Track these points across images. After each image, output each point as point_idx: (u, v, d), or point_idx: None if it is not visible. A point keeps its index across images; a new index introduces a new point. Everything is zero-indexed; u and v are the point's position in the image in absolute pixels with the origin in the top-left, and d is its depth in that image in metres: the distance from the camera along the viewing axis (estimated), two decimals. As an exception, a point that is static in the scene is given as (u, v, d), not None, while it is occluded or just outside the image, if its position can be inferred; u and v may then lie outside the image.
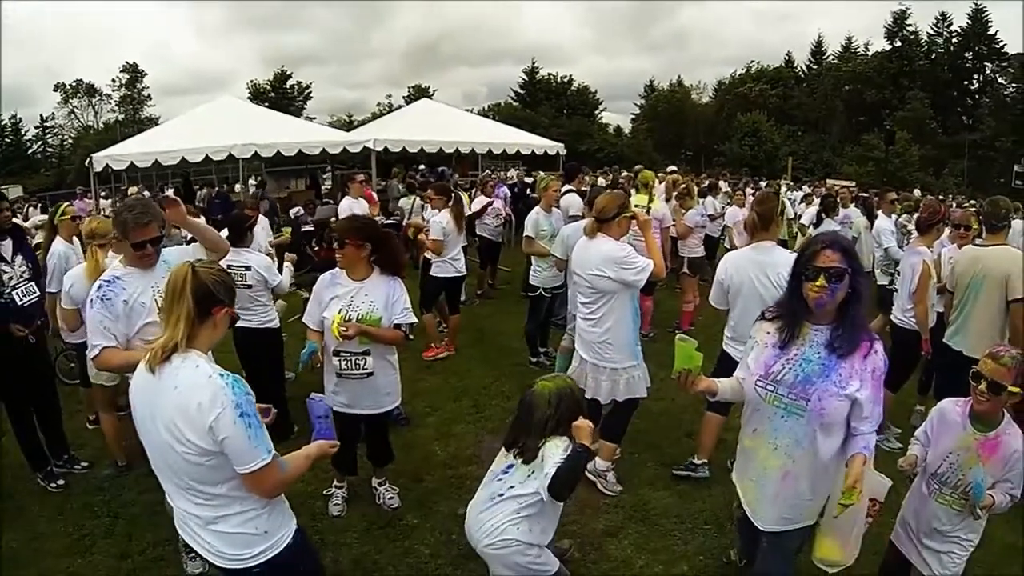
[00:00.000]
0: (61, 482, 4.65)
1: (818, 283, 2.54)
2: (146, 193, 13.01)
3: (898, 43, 50.95)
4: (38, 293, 4.62)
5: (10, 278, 4.40)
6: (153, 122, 50.42)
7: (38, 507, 4.40)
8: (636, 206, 5.36)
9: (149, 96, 56.95)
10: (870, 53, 52.57)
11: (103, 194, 15.35)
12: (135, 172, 14.91)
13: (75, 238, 5.50)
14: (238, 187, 16.99)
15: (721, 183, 15.36)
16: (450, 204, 7.15)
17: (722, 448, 4.72)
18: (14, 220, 5.06)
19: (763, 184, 17.58)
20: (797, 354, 2.69)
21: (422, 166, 18.63)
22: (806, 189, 20.45)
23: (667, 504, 4.44)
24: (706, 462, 4.70)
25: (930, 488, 3.01)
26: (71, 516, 4.30)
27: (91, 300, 3.23)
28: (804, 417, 2.64)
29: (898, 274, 5.68)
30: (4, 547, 3.96)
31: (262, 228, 8.05)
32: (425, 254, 7.67)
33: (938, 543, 3.01)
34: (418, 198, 10.13)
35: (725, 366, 4.23)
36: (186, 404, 2.15)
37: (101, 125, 54.86)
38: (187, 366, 2.20)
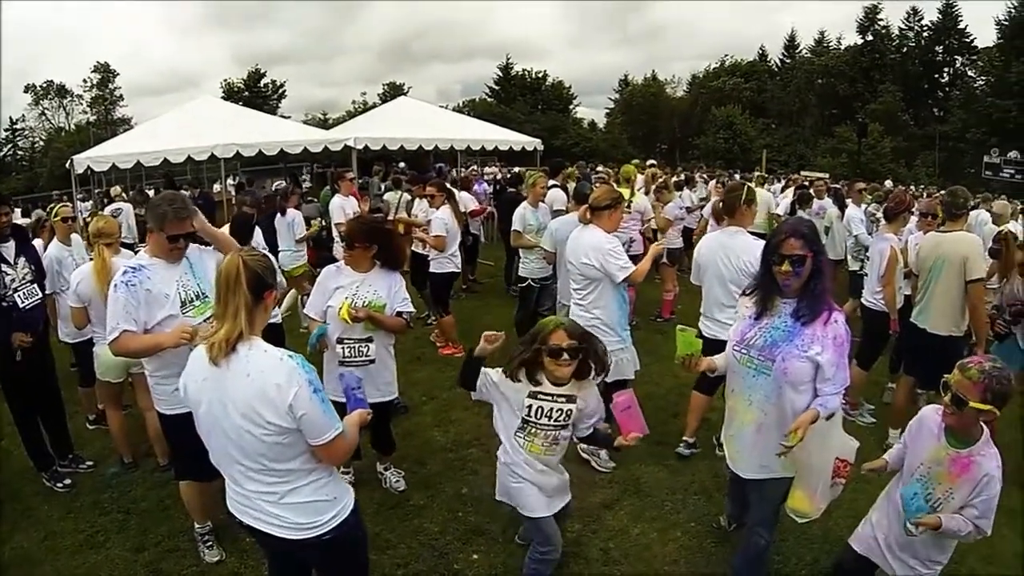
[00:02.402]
0: (68, 481, 4.66)
1: (783, 268, 2.92)
2: (119, 198, 12.94)
3: (870, 37, 51.52)
4: (40, 295, 4.59)
5: (12, 280, 4.35)
6: (126, 123, 49.76)
7: (47, 507, 4.42)
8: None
9: (121, 96, 56.04)
10: (842, 47, 53.23)
11: (80, 196, 15.26)
12: (112, 174, 14.84)
13: (76, 238, 5.55)
14: (216, 187, 16.97)
15: (697, 176, 15.65)
16: (449, 201, 7.26)
17: (707, 427, 5.00)
18: (15, 222, 5.00)
19: (737, 176, 17.84)
20: (768, 323, 3.05)
21: (402, 163, 18.73)
22: (782, 182, 20.77)
23: (658, 478, 4.70)
24: (696, 441, 4.96)
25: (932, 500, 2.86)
26: (81, 514, 4.33)
27: (115, 285, 3.29)
28: (771, 375, 3.00)
29: (868, 260, 5.97)
30: (15, 548, 4.01)
31: (297, 222, 8.43)
32: (415, 248, 7.89)
33: (907, 555, 2.91)
34: (405, 194, 10.27)
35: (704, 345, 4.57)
36: (263, 388, 2.23)
37: (73, 127, 53.87)
38: (255, 352, 2.29)
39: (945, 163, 45.53)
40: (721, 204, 4.85)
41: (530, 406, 3.08)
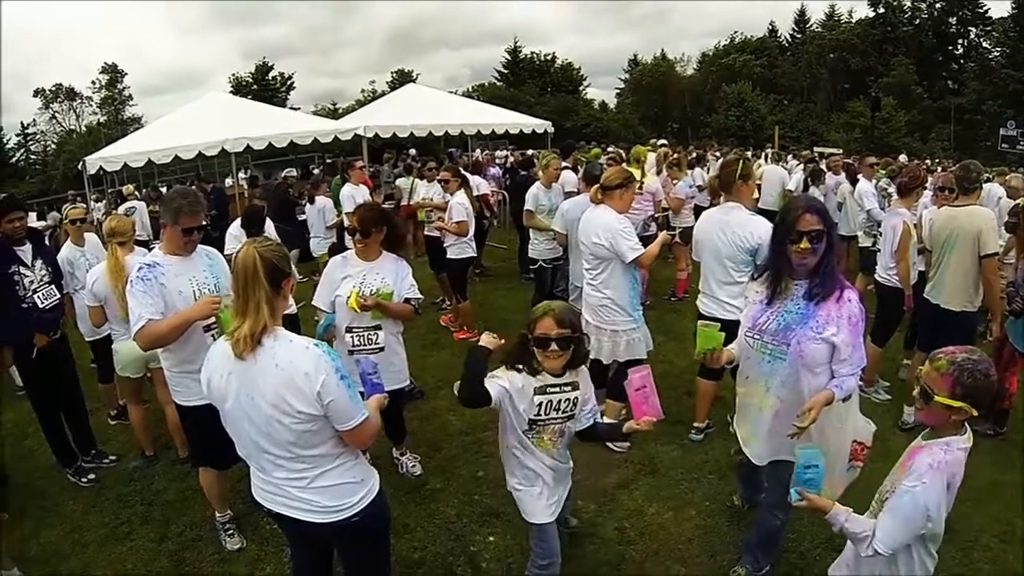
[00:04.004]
0: (92, 476, 4.76)
1: (801, 245, 2.82)
2: (132, 196, 13.01)
3: (881, 10, 50.69)
4: (58, 296, 4.67)
5: (31, 282, 4.46)
6: (136, 122, 49.85)
7: (72, 503, 4.51)
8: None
9: (130, 96, 56.04)
10: (854, 20, 52.46)
11: (94, 197, 15.37)
12: (125, 173, 14.90)
13: (92, 238, 5.63)
14: (229, 181, 17.05)
15: (709, 155, 15.52)
16: (463, 186, 7.23)
17: (720, 405, 5.01)
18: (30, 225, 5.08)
19: (748, 153, 17.68)
20: (780, 307, 2.98)
21: (412, 150, 18.76)
22: (795, 160, 20.60)
23: (673, 457, 4.72)
24: (709, 423, 4.98)
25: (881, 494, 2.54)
26: (106, 508, 4.43)
27: (131, 282, 3.36)
28: (786, 360, 2.94)
29: (880, 235, 5.93)
30: (43, 543, 4.10)
31: (328, 208, 8.91)
32: (429, 233, 7.99)
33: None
34: (416, 179, 10.32)
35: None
36: (291, 377, 2.25)
37: (84, 128, 53.89)
38: (281, 343, 2.30)
39: (960, 136, 44.80)
40: (717, 180, 4.82)
41: (540, 404, 2.89)
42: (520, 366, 2.89)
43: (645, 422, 2.89)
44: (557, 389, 2.91)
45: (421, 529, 4.04)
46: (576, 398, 2.98)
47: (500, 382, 2.86)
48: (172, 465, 4.89)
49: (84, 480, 4.74)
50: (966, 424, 2.33)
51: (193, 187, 10.28)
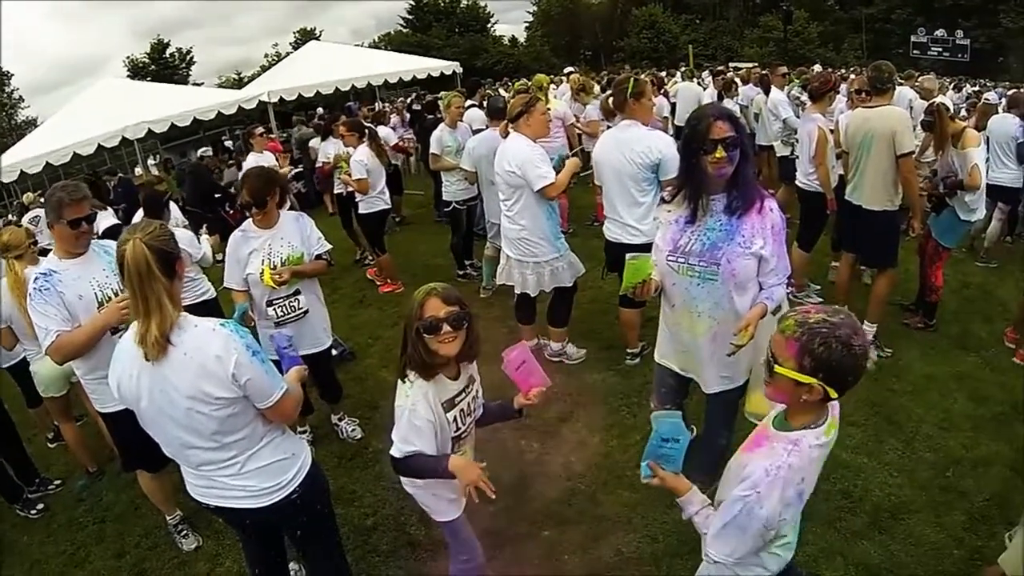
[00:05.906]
0: (40, 507, 4.51)
1: (717, 155, 2.61)
2: (34, 205, 12.12)
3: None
4: None
5: None
6: (32, 124, 46.75)
7: (26, 537, 4.30)
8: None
9: (21, 98, 52.03)
10: (763, -69, 52.40)
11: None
12: (28, 180, 13.97)
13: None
14: (138, 170, 16.26)
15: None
16: (365, 140, 7.00)
17: (652, 325, 4.86)
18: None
19: (663, 74, 17.62)
20: (701, 225, 2.80)
21: (320, 109, 18.24)
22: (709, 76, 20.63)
23: (611, 384, 4.71)
24: (643, 344, 4.93)
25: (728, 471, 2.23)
26: (60, 535, 4.25)
27: (29, 295, 3.14)
28: (718, 280, 2.78)
29: (797, 143, 5.95)
30: None
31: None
32: (338, 190, 7.91)
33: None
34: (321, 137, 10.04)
35: (609, 249, 4.58)
36: (203, 362, 2.17)
37: (-25, 142, 50.53)
38: (187, 331, 2.20)
39: (873, 45, 45.37)
40: (611, 100, 4.70)
41: (455, 419, 2.46)
42: (410, 378, 2.39)
43: (536, 393, 2.56)
44: (463, 393, 2.50)
45: (370, 494, 3.97)
46: (477, 390, 2.62)
47: (423, 414, 2.34)
48: (118, 476, 4.62)
49: (33, 512, 4.49)
50: (829, 409, 1.89)
51: (80, 182, 9.71)
